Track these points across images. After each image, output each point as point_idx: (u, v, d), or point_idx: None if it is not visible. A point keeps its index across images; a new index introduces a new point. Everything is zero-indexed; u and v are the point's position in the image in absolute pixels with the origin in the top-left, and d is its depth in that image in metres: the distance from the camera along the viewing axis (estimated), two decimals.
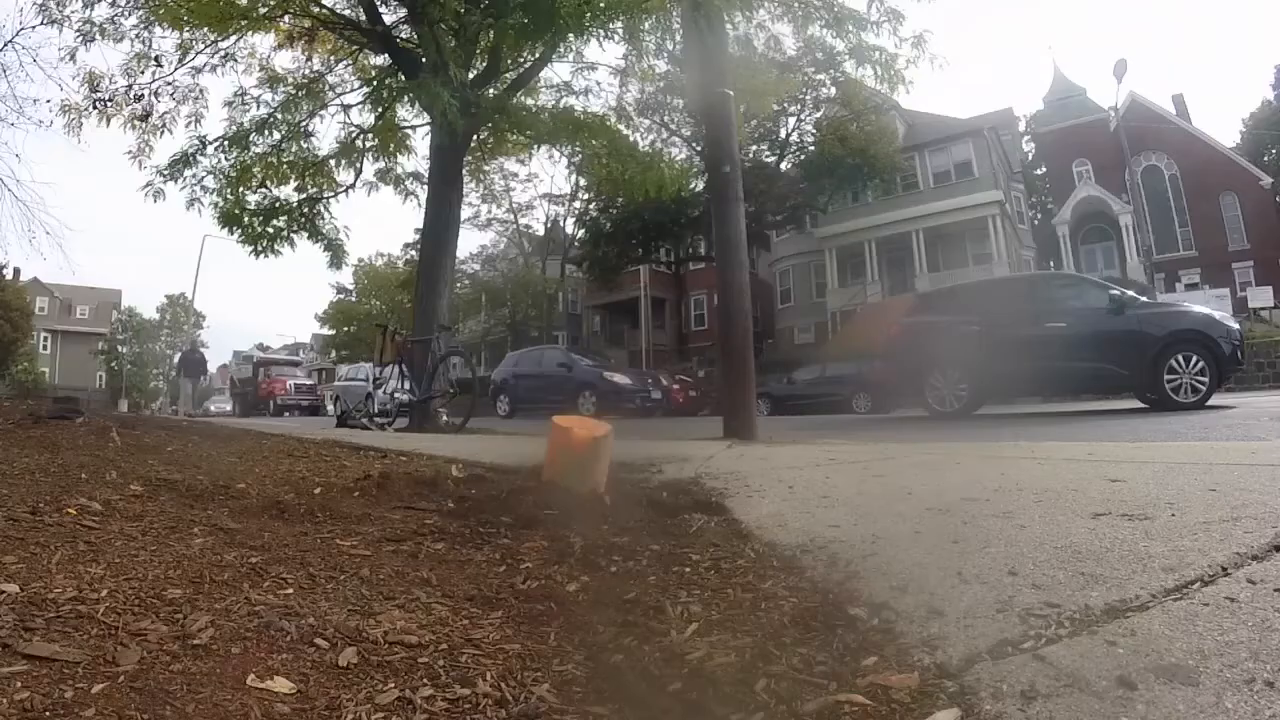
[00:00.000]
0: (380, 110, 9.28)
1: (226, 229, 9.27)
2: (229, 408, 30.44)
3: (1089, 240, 29.39)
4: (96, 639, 0.67)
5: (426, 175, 9.65)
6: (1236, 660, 0.54)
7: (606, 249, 25.49)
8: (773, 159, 24.96)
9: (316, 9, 8.54)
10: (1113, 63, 19.96)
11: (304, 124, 9.44)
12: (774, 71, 7.94)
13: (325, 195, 9.90)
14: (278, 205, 9.51)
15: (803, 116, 24.01)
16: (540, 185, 40.56)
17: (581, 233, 27.82)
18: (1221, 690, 0.50)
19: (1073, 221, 28.55)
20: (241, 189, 9.09)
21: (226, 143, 8.97)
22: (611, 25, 8.20)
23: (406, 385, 7.79)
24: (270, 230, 9.33)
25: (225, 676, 0.63)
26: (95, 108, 8.59)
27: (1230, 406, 6.54)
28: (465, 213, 10.07)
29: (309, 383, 29.89)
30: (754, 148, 23.46)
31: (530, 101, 9.82)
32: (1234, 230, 28.07)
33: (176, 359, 19.11)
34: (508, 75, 9.42)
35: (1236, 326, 7.23)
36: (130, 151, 8.89)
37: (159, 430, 3.11)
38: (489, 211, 29.44)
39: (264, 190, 9.43)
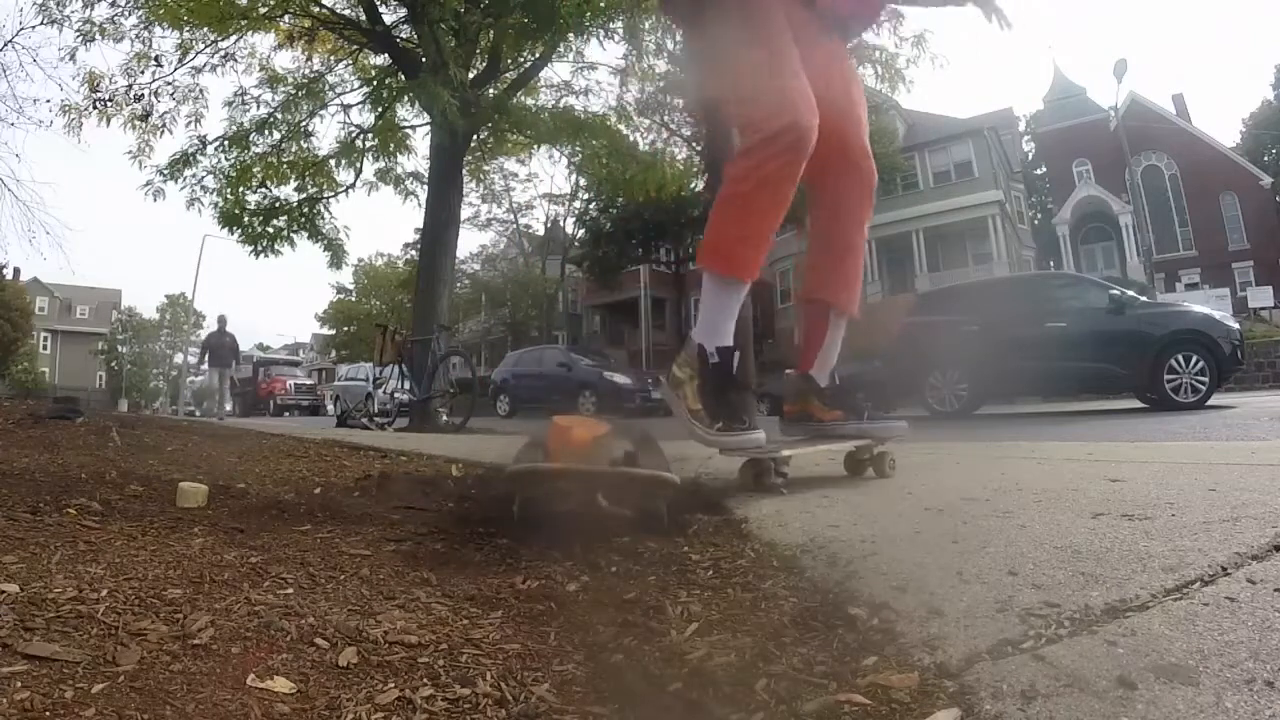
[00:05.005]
0: (380, 110, 9.28)
1: (226, 229, 9.28)
2: (229, 407, 30.44)
3: (1089, 240, 29.39)
4: (96, 639, 0.68)
5: (426, 175, 9.65)
6: (1236, 660, 0.54)
7: (606, 249, 25.46)
8: None
9: (316, 9, 8.54)
10: (1113, 63, 19.98)
11: (304, 124, 9.44)
12: None
13: (325, 195, 9.90)
14: (278, 205, 9.51)
15: None
16: (540, 185, 40.59)
17: (581, 232, 27.79)
18: (1221, 690, 0.50)
19: (1073, 221, 28.55)
20: (241, 189, 9.10)
21: (226, 143, 8.98)
22: (612, 25, 8.21)
23: (406, 385, 7.79)
24: (270, 230, 9.34)
25: (225, 676, 0.63)
26: (95, 108, 8.59)
27: (1230, 406, 6.54)
28: (465, 212, 10.08)
29: (309, 383, 29.88)
30: None
31: (530, 101, 9.82)
32: (1234, 230, 28.08)
33: (202, 342, 16.12)
34: (508, 75, 9.41)
35: (1236, 326, 7.23)
36: (130, 151, 8.90)
37: (159, 430, 3.11)
38: (489, 211, 29.46)
39: (264, 190, 9.44)
